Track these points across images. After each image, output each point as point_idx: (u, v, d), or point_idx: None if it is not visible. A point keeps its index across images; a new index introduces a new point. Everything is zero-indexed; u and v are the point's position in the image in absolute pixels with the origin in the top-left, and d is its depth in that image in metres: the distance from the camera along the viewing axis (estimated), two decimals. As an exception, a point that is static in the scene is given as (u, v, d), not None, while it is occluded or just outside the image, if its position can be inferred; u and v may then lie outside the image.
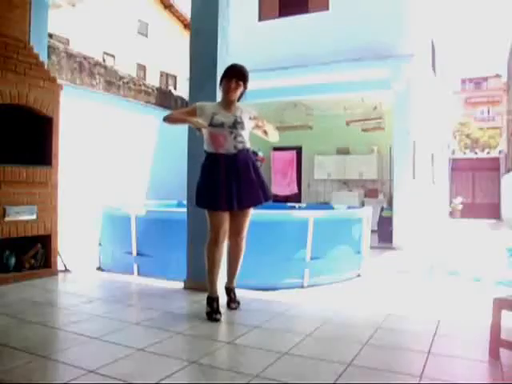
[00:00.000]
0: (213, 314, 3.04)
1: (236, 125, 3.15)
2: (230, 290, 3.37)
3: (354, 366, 2.24)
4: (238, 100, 3.29)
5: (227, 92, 3.21)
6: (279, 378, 2.08)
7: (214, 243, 3.13)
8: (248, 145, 3.26)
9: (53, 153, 4.38)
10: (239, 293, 3.56)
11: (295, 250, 4.98)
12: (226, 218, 3.16)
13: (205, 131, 3.20)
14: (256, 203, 3.20)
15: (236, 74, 3.20)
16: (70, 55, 8.23)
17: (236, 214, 3.20)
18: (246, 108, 3.31)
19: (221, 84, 3.26)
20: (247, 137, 3.26)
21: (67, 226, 5.69)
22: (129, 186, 9.21)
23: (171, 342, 2.63)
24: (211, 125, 3.14)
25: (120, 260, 5.33)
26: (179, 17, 20.85)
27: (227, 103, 3.24)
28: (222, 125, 3.13)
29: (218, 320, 3.00)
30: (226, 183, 3.09)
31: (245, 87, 3.26)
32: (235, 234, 3.24)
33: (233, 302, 3.31)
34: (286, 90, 9.65)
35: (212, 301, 3.11)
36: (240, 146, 3.16)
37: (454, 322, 3.12)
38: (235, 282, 3.38)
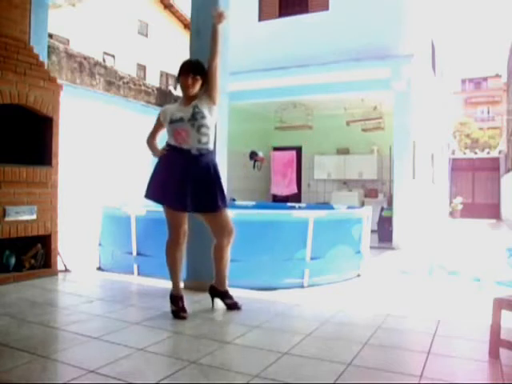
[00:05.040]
0: (180, 312, 3.07)
1: (195, 115, 3.09)
2: (226, 293, 3.32)
3: (354, 366, 2.24)
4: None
5: (186, 88, 3.15)
6: (279, 378, 2.08)
7: (175, 244, 3.15)
8: (212, 138, 3.20)
9: (53, 153, 4.38)
10: (240, 293, 3.57)
11: (295, 250, 4.98)
12: (184, 217, 3.14)
13: (167, 128, 3.19)
14: (212, 209, 3.16)
15: (192, 69, 3.14)
16: (70, 55, 8.23)
17: (211, 216, 3.18)
18: (203, 93, 3.20)
19: (178, 81, 3.20)
20: (213, 127, 3.20)
21: (67, 225, 5.69)
22: (129, 185, 9.20)
23: (171, 341, 2.63)
24: (171, 121, 3.13)
25: (120, 260, 5.32)
26: (179, 17, 20.86)
27: (187, 99, 3.18)
28: (181, 119, 3.09)
29: (185, 318, 3.03)
30: (181, 182, 3.05)
31: (203, 80, 3.17)
32: (224, 235, 3.21)
33: (236, 301, 3.30)
34: (286, 90, 9.65)
35: (176, 299, 3.14)
36: (204, 139, 3.11)
37: (454, 322, 3.12)
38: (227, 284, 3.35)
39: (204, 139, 3.12)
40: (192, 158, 3.10)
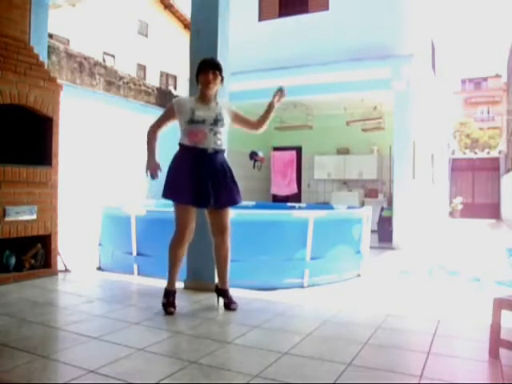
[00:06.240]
0: (169, 306, 3.13)
1: (217, 122, 3.17)
2: (225, 292, 3.34)
3: (354, 366, 2.24)
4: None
5: (207, 84, 3.18)
6: (279, 378, 2.08)
7: (181, 241, 3.17)
8: (225, 144, 3.30)
9: (53, 153, 4.38)
10: (240, 293, 3.57)
11: (295, 250, 4.98)
12: (193, 215, 3.18)
13: (184, 127, 3.17)
14: (232, 203, 3.24)
15: (211, 66, 3.21)
16: (70, 55, 8.23)
17: (217, 213, 3.23)
18: (224, 103, 3.33)
19: (197, 80, 3.24)
20: (225, 135, 3.29)
21: (67, 225, 5.69)
22: (129, 185, 9.21)
23: (171, 341, 2.63)
24: (192, 121, 3.13)
25: (120, 260, 5.33)
26: (179, 17, 20.85)
27: (206, 97, 3.22)
28: (203, 121, 3.12)
29: (172, 313, 3.09)
30: (200, 179, 3.09)
31: (221, 79, 3.27)
32: (221, 233, 3.26)
33: (232, 302, 3.31)
34: (286, 89, 9.64)
35: (169, 294, 3.19)
36: (219, 142, 3.18)
37: (454, 322, 3.12)
38: (228, 283, 3.37)
39: (219, 142, 3.20)
40: (208, 156, 3.14)
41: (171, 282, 3.23)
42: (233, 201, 3.24)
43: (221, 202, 3.18)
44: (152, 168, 3.20)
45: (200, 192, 3.10)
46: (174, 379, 2.07)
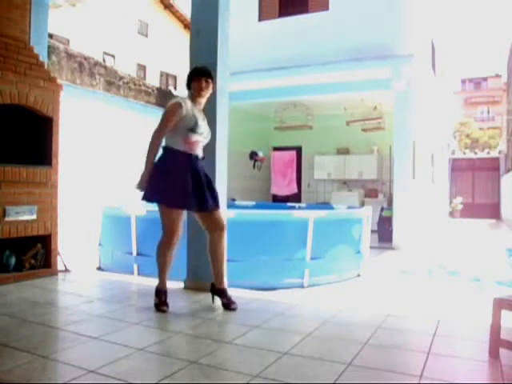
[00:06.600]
0: (161, 305, 3.20)
1: (208, 136, 3.34)
2: (223, 291, 3.33)
3: (354, 366, 2.24)
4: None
5: (199, 91, 3.27)
6: (279, 378, 2.08)
7: (170, 245, 3.23)
8: None
9: (53, 153, 4.38)
10: (240, 293, 3.57)
11: (295, 250, 4.98)
12: (182, 219, 3.28)
13: (181, 131, 3.14)
14: (218, 203, 3.33)
15: (204, 74, 3.30)
16: (70, 55, 8.23)
17: (210, 212, 3.27)
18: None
19: (189, 86, 3.32)
20: None
21: (67, 226, 5.69)
22: (129, 186, 9.21)
23: (171, 341, 2.63)
24: (194, 131, 3.16)
25: (120, 260, 5.33)
26: (179, 17, 20.86)
27: (199, 104, 3.33)
28: (201, 134, 3.24)
29: (165, 311, 3.16)
30: (198, 183, 3.18)
31: (213, 87, 3.37)
32: (220, 229, 3.30)
33: (232, 302, 3.30)
34: (286, 89, 9.66)
35: (161, 293, 3.26)
36: (201, 152, 3.33)
37: (454, 322, 3.12)
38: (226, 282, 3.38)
39: (202, 149, 3.34)
40: (198, 162, 3.25)
41: (162, 282, 3.30)
42: (218, 200, 3.35)
43: (217, 201, 3.29)
44: (145, 185, 3.24)
45: (201, 196, 3.17)
46: (174, 379, 2.07)
